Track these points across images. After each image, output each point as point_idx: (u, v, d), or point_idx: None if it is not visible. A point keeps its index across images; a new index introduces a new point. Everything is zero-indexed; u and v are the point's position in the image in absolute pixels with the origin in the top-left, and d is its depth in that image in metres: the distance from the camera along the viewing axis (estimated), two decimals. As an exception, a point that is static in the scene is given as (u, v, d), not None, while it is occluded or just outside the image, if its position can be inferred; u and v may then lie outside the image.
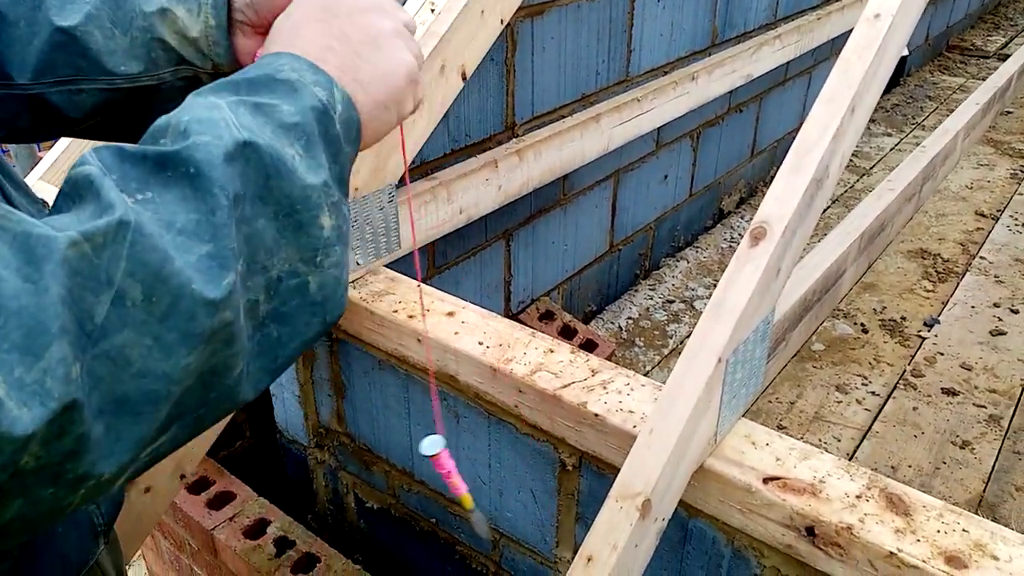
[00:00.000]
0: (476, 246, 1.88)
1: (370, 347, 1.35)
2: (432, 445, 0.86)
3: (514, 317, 2.09)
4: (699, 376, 0.91)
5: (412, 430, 1.36)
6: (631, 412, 1.03)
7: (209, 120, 0.48)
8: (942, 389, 2.11)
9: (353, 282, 1.35)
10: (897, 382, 2.13)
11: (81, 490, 0.42)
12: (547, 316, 2.13)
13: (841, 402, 2.06)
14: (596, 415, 1.03)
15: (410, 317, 1.28)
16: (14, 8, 0.70)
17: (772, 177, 3.75)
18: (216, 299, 0.44)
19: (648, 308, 2.44)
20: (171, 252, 0.43)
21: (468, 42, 1.43)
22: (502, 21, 1.49)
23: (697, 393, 0.90)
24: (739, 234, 2.93)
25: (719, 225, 3.00)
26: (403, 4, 1.45)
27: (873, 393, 2.09)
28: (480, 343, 1.21)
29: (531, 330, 1.24)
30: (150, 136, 0.49)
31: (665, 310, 2.43)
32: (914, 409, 2.04)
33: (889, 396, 2.08)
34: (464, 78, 1.44)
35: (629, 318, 2.38)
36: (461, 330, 1.24)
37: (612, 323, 2.35)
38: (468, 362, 1.19)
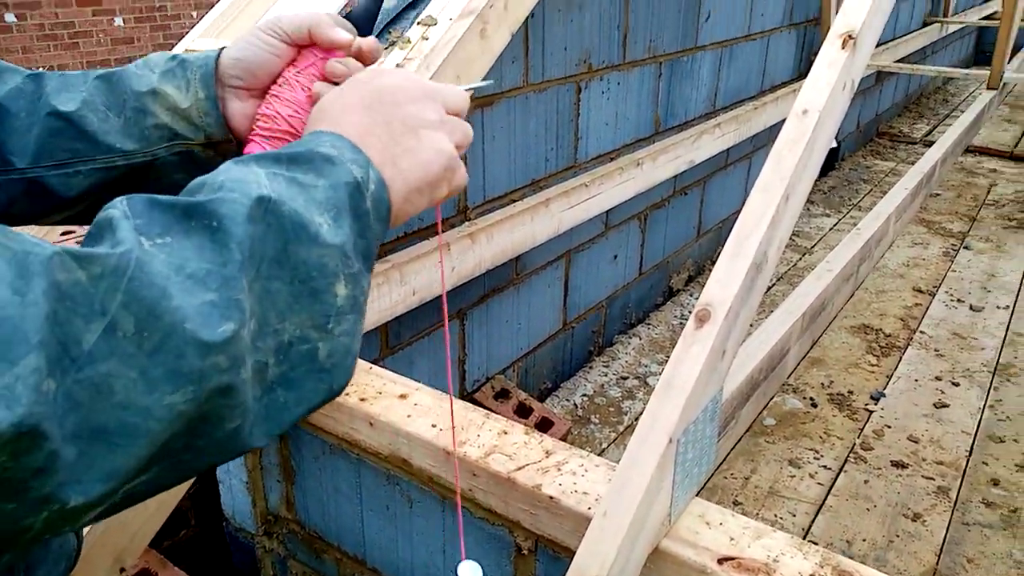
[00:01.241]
0: (430, 326, 1.89)
1: (321, 431, 1.33)
2: (471, 571, 0.82)
3: (469, 396, 2.08)
4: (651, 457, 0.92)
5: (364, 515, 1.33)
6: (585, 494, 1.03)
7: (242, 181, 0.51)
8: (891, 462, 2.15)
9: (305, 366, 1.34)
10: (848, 455, 2.17)
11: (43, 513, 0.41)
12: (502, 395, 2.12)
13: (795, 476, 2.08)
14: (551, 498, 1.03)
15: (362, 400, 1.27)
16: (15, 101, 0.73)
17: (719, 255, 3.85)
18: (209, 341, 0.44)
19: (603, 385, 2.46)
20: (171, 291, 0.44)
21: (421, 130, 1.47)
22: (454, 110, 1.54)
23: (649, 474, 0.91)
24: (689, 311, 3.00)
25: (669, 303, 3.07)
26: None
27: (825, 467, 2.12)
28: (433, 426, 1.20)
29: (485, 411, 1.24)
30: (187, 193, 0.51)
31: (619, 387, 2.45)
32: (865, 482, 2.07)
33: (841, 470, 2.11)
34: (417, 164, 1.48)
35: (584, 395, 2.39)
36: (414, 413, 1.24)
37: (567, 400, 2.36)
38: (421, 446, 1.18)
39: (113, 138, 0.74)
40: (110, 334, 0.42)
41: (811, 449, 2.18)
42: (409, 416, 1.23)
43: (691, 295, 3.13)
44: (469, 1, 1.58)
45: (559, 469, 1.08)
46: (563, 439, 2.10)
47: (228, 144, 0.78)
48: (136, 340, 0.42)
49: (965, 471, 2.13)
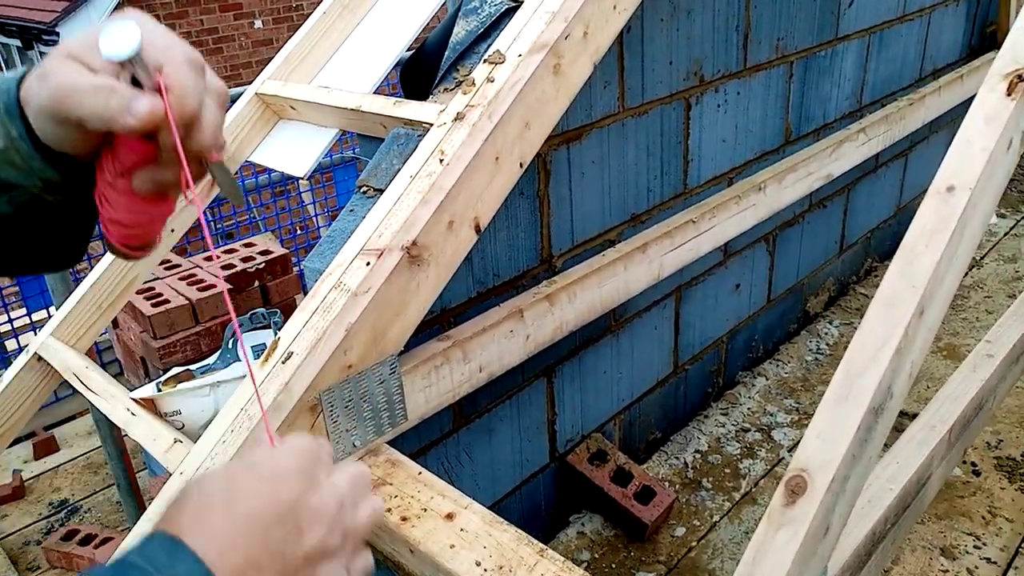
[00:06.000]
0: (511, 388, 1.71)
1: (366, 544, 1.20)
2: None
3: (562, 458, 1.89)
4: None
5: (411, 645, 1.19)
6: None
7: None
8: (1077, 556, 1.75)
9: (349, 468, 1.21)
10: (1019, 546, 1.79)
11: None
12: (598, 457, 1.92)
13: (948, 571, 1.74)
14: None
15: (403, 520, 1.12)
16: None
17: (866, 271, 3.38)
18: None
19: (719, 438, 2.19)
20: None
21: (481, 193, 1.29)
22: (521, 164, 1.35)
23: None
24: (826, 344, 2.64)
25: (804, 331, 2.72)
26: (410, 155, 1.32)
27: (988, 560, 1.76)
28: (478, 563, 1.03)
29: (540, 547, 1.05)
30: None
31: (739, 440, 2.17)
32: (1041, 584, 1.70)
33: (1010, 565, 1.75)
34: (478, 231, 1.30)
35: (697, 451, 2.13)
36: (458, 543, 1.07)
37: (677, 458, 2.11)
38: (460, 590, 1.02)
39: None
40: None
41: (970, 534, 1.82)
42: (453, 547, 1.06)
43: (830, 321, 2.76)
44: (541, 32, 1.37)
45: (613, 651, 0.87)
46: (667, 512, 1.88)
47: (76, 178, 0.66)
48: None
49: None
